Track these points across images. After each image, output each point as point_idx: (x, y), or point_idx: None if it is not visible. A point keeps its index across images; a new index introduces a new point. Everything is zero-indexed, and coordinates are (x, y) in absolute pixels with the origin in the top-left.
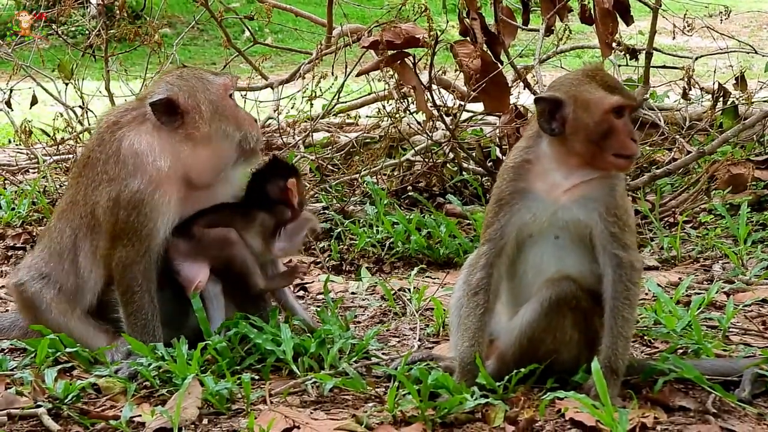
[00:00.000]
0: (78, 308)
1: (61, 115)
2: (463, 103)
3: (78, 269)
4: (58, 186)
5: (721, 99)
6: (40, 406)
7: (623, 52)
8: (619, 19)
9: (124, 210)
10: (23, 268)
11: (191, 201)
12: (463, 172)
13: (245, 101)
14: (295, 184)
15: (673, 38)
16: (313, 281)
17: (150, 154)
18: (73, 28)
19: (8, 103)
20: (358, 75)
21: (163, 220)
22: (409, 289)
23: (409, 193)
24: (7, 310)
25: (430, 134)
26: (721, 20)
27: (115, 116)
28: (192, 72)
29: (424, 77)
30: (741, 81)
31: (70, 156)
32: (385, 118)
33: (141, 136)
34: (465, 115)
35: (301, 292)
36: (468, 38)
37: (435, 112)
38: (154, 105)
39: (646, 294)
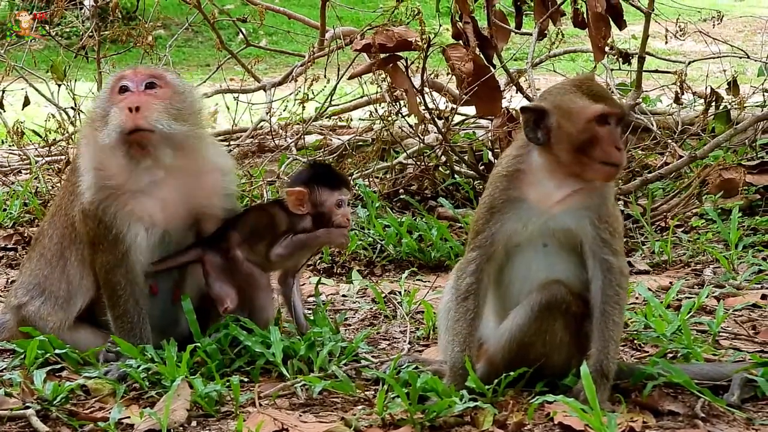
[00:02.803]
0: (71, 316)
1: (54, 116)
2: (455, 106)
3: (68, 277)
4: (49, 187)
5: (713, 103)
6: (28, 407)
7: (616, 57)
8: (612, 23)
9: (90, 221)
10: (21, 286)
11: (151, 204)
12: (455, 176)
13: (237, 103)
14: (293, 194)
15: (666, 43)
16: (303, 284)
17: (89, 167)
18: (66, 29)
19: (1, 104)
20: (350, 78)
21: (126, 228)
22: (399, 292)
23: (401, 196)
24: None
25: (422, 137)
26: (714, 25)
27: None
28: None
29: (417, 80)
30: (733, 86)
31: (62, 157)
32: (378, 121)
33: (84, 145)
34: (457, 119)
35: None
36: (460, 42)
37: (427, 116)
38: None
39: (637, 298)
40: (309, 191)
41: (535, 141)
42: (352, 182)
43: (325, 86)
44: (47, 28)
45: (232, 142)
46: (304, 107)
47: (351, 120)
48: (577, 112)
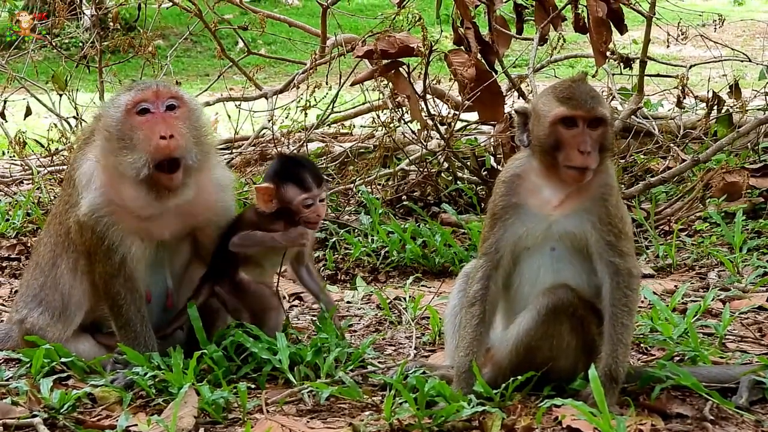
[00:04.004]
0: (69, 328)
1: (55, 126)
2: (457, 112)
3: (60, 285)
4: (52, 197)
5: (715, 107)
6: (35, 416)
7: (617, 61)
8: (613, 28)
9: (86, 232)
10: (21, 299)
11: (150, 221)
12: (458, 182)
13: (239, 112)
14: (261, 190)
15: (667, 47)
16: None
17: (88, 182)
18: (67, 40)
19: (2, 115)
20: (352, 84)
21: (120, 240)
22: (404, 298)
23: (404, 203)
24: (1, 321)
25: (425, 143)
26: (715, 29)
27: (88, 131)
28: (121, 87)
29: (419, 86)
30: (735, 89)
31: (64, 167)
32: (380, 128)
33: (88, 161)
34: (459, 125)
35: (297, 302)
36: (462, 47)
37: (429, 122)
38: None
39: (643, 302)
40: (276, 187)
41: (522, 143)
42: (324, 179)
43: (327, 93)
44: (48, 38)
45: (234, 151)
46: (306, 115)
47: (353, 127)
48: (543, 115)
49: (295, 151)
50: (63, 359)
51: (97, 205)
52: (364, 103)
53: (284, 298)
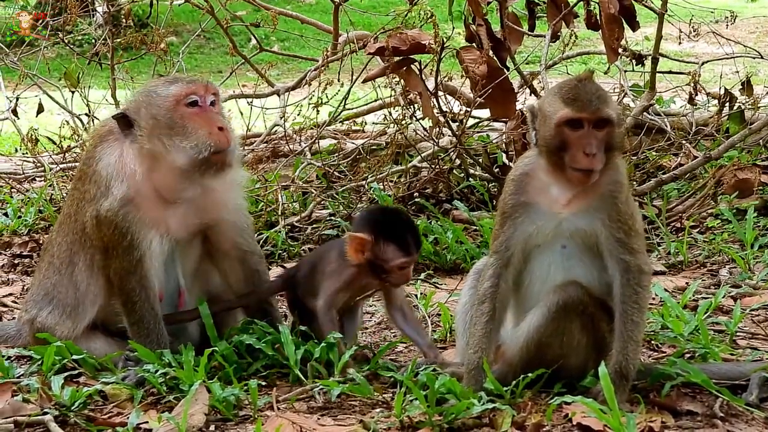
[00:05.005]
0: (79, 325)
1: (68, 123)
2: (469, 109)
3: (76, 283)
4: (64, 194)
5: (727, 104)
6: (46, 413)
7: (629, 58)
8: (625, 24)
9: (105, 227)
10: (31, 298)
11: (170, 214)
12: (470, 178)
13: (251, 108)
14: (356, 239)
15: (679, 44)
16: None
17: (118, 173)
18: (79, 37)
19: (15, 112)
20: (364, 81)
21: (142, 235)
22: (416, 295)
23: (416, 200)
24: (13, 318)
25: (437, 140)
26: (727, 26)
27: (106, 127)
28: (149, 83)
29: (431, 83)
30: (747, 86)
31: (77, 164)
32: (392, 125)
33: (112, 155)
34: (471, 121)
35: None
36: (474, 44)
37: (441, 119)
38: (115, 118)
39: (654, 299)
40: (374, 241)
41: (532, 142)
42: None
43: (338, 90)
44: (60, 35)
45: (246, 148)
46: (318, 112)
47: (365, 124)
48: (549, 116)
49: (307, 149)
50: (74, 356)
51: (126, 196)
52: (376, 100)
53: None
